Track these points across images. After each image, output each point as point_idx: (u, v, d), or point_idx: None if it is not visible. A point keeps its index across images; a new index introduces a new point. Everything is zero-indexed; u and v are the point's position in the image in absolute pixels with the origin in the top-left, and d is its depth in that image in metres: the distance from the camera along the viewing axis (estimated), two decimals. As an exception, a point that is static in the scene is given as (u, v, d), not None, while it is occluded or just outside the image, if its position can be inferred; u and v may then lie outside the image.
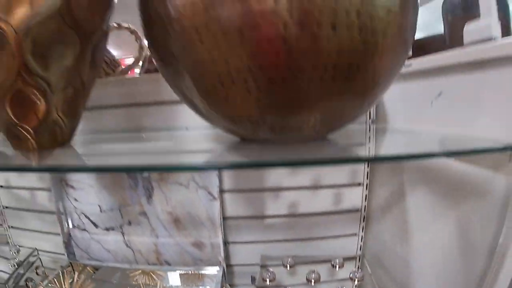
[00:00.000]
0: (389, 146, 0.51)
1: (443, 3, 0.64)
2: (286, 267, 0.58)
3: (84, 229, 0.66)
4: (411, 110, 0.51)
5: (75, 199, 0.65)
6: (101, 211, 0.64)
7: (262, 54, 0.24)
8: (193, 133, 0.56)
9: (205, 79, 0.28)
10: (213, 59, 0.26)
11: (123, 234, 0.64)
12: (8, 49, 0.33)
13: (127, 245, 0.64)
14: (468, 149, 0.32)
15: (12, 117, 0.36)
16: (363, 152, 0.43)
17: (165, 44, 0.29)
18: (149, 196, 0.61)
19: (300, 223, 0.62)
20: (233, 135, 0.37)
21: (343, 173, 0.60)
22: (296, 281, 0.56)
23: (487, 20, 0.36)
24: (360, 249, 0.63)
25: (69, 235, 0.66)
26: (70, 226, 0.66)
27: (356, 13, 0.23)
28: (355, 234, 0.63)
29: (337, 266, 0.58)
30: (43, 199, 0.70)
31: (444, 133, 0.41)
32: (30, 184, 0.71)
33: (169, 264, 0.63)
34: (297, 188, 0.60)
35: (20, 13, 0.33)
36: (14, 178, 0.73)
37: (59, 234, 0.67)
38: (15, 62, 0.33)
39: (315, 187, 0.60)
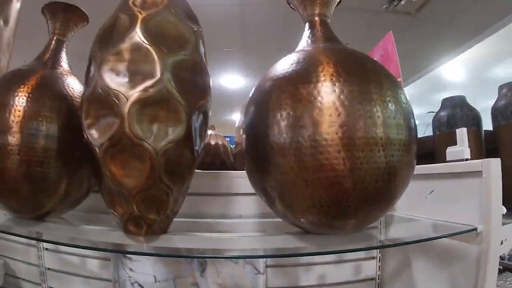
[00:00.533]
0: (396, 231, 0.67)
1: (433, 118, 0.84)
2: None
3: (136, 297, 0.73)
4: (412, 202, 0.67)
5: (131, 269, 0.72)
6: (155, 281, 0.72)
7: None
8: (245, 221, 0.68)
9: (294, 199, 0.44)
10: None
11: (174, 302, 0.72)
12: (148, 164, 0.45)
13: (176, 311, 0.73)
14: (449, 232, 0.51)
15: (136, 210, 0.47)
16: (377, 234, 0.60)
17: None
18: (203, 270, 0.70)
19: (326, 291, 0.74)
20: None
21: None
22: None
23: (461, 147, 0.57)
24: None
25: (119, 300, 0.74)
26: (122, 293, 0.73)
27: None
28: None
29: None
30: (93, 265, 0.77)
31: (435, 220, 0.60)
32: (82, 251, 0.77)
33: (213, 329, 0.72)
34: (325, 263, 0.73)
35: (160, 139, 0.45)
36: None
37: None
38: (153, 174, 0.45)
39: (339, 261, 0.74)
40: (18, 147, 0.52)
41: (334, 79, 0.42)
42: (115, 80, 0.45)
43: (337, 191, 0.41)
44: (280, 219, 0.51)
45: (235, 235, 0.63)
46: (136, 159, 0.46)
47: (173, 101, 0.46)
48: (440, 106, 0.83)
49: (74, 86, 0.60)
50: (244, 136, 0.52)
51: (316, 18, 0.55)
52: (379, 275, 0.75)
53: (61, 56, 0.64)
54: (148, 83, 0.45)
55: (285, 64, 0.48)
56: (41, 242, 0.81)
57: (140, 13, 0.48)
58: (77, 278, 0.80)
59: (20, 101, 0.53)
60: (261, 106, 0.48)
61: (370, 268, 0.75)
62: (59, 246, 0.80)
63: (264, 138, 0.45)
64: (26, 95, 0.54)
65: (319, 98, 0.42)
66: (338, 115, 0.41)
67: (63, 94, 0.58)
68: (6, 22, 0.74)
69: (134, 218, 0.49)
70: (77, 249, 0.77)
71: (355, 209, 0.43)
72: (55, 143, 0.54)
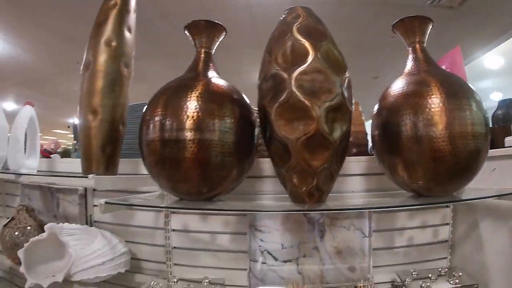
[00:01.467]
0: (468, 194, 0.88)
1: (492, 115, 1.09)
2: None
3: (264, 263, 0.88)
4: (480, 178, 0.88)
5: (261, 240, 0.88)
6: (282, 248, 0.88)
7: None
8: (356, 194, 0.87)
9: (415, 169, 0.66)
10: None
11: (297, 264, 0.88)
12: (330, 151, 0.64)
13: (298, 272, 0.88)
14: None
15: (316, 184, 0.64)
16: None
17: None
18: (322, 236, 0.87)
19: (413, 251, 0.93)
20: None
21: (438, 216, 0.94)
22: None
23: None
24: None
25: (250, 268, 0.88)
26: (251, 260, 0.88)
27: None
28: (445, 257, 0.96)
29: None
30: (223, 240, 0.92)
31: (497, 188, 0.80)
32: (213, 229, 0.92)
33: (328, 283, 0.88)
34: (412, 228, 0.92)
35: (337, 133, 0.64)
36: (194, 223, 0.93)
37: (235, 269, 0.89)
38: (332, 158, 0.64)
39: (423, 226, 0.93)
40: (217, 142, 0.66)
41: (439, 93, 0.65)
42: (306, 93, 0.63)
43: (443, 164, 0.63)
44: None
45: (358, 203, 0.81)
46: (322, 147, 0.64)
47: (344, 108, 0.66)
48: (496, 106, 1.14)
49: (232, 88, 0.76)
50: (376, 131, 0.73)
51: (417, 45, 0.76)
52: (451, 238, 0.95)
53: (210, 65, 0.79)
54: (331, 96, 0.63)
55: (402, 84, 0.71)
56: (169, 225, 0.95)
57: (314, 44, 0.65)
58: (203, 253, 0.93)
59: (202, 104, 0.67)
60: (390, 112, 0.70)
61: (444, 232, 0.94)
62: (187, 227, 0.94)
63: (395, 132, 0.67)
64: (207, 99, 0.68)
65: (432, 107, 0.64)
66: (443, 117, 0.63)
67: (231, 97, 0.73)
68: (129, 30, 0.89)
69: (312, 190, 0.66)
70: (208, 228, 0.92)
71: (453, 177, 0.66)
72: (235, 137, 0.68)
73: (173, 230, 0.95)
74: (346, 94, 0.65)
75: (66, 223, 0.94)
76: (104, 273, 0.87)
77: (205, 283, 0.86)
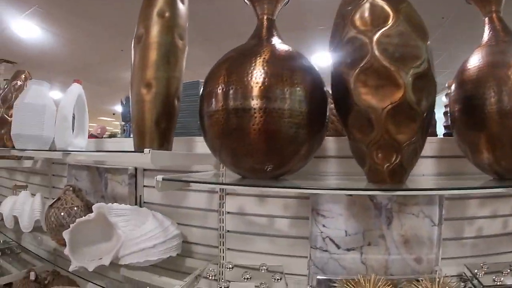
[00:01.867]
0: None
1: None
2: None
3: (325, 250, 0.84)
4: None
5: (323, 225, 0.83)
6: (346, 235, 0.83)
7: None
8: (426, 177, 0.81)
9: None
10: None
11: (361, 253, 0.83)
12: (418, 123, 0.59)
13: (362, 262, 0.84)
14: None
15: (399, 160, 0.59)
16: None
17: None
18: (389, 223, 0.82)
19: (482, 243, 0.87)
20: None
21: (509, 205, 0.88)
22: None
23: None
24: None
25: (310, 255, 0.84)
26: (312, 247, 0.84)
27: None
28: (513, 251, 0.90)
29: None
30: (281, 224, 0.87)
31: None
32: (271, 213, 0.88)
33: (392, 275, 0.84)
34: (483, 217, 0.86)
35: (424, 103, 0.58)
36: (250, 205, 0.89)
37: (293, 256, 0.85)
38: (419, 130, 0.60)
39: (493, 216, 0.87)
40: (288, 111, 0.62)
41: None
42: (391, 58, 0.57)
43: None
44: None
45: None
46: (408, 119, 0.58)
47: (430, 76, 0.60)
48: None
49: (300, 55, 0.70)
50: (456, 106, 0.67)
51: (494, 15, 0.70)
52: (521, 231, 0.89)
53: (274, 32, 0.74)
54: (418, 62, 0.58)
55: (482, 55, 0.65)
56: (223, 207, 0.91)
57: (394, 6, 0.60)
58: (259, 238, 0.89)
59: (270, 70, 0.62)
60: (472, 85, 0.64)
61: (514, 224, 0.88)
62: (243, 209, 0.90)
63: (478, 106, 0.62)
64: (275, 65, 0.63)
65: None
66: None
67: (301, 63, 0.68)
68: (182, 1, 0.85)
69: (395, 168, 0.61)
70: (266, 211, 0.88)
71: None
72: (307, 107, 0.63)
73: (228, 212, 0.92)
74: (431, 61, 0.60)
75: (115, 203, 0.91)
76: (155, 256, 0.84)
77: (263, 270, 0.83)
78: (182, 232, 0.94)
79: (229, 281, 0.74)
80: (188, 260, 0.94)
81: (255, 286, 0.73)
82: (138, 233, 0.87)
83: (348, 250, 0.84)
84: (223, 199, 0.91)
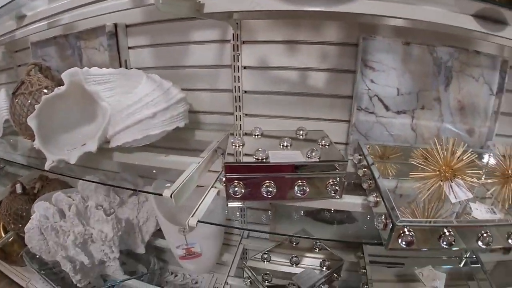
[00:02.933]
0: None
1: None
2: None
3: (372, 112, 0.68)
4: None
5: (372, 81, 0.66)
6: (398, 94, 0.67)
7: None
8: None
9: None
10: None
11: (412, 118, 0.68)
12: None
13: (412, 129, 0.69)
14: None
15: None
16: None
17: None
18: (447, 84, 0.68)
19: None
20: None
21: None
22: None
23: None
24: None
25: (352, 119, 0.67)
26: (356, 109, 0.67)
27: None
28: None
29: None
30: (317, 80, 0.68)
31: None
32: (300, 64, 0.68)
33: (439, 149, 0.70)
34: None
35: None
36: (274, 56, 0.68)
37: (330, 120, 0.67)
38: None
39: None
40: None
41: None
42: None
43: None
44: None
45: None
46: None
47: None
48: None
49: None
50: None
51: None
52: None
53: None
54: None
55: None
56: (239, 60, 0.69)
57: None
58: (286, 98, 0.70)
59: None
60: None
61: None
62: (265, 62, 0.69)
63: None
64: None
65: None
66: None
67: None
68: None
69: None
70: (295, 62, 0.68)
71: None
72: None
73: (245, 67, 0.70)
74: None
75: (93, 67, 0.63)
76: (157, 129, 0.62)
77: (301, 136, 0.62)
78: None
79: (268, 151, 0.54)
80: (198, 133, 0.73)
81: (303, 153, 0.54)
82: (130, 100, 0.62)
83: (398, 113, 0.68)
84: (237, 50, 0.69)
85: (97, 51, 0.85)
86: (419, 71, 0.67)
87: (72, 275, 0.75)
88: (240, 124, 0.73)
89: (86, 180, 0.81)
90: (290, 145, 0.58)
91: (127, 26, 0.80)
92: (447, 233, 0.45)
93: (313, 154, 0.54)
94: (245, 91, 0.71)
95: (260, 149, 0.53)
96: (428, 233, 0.45)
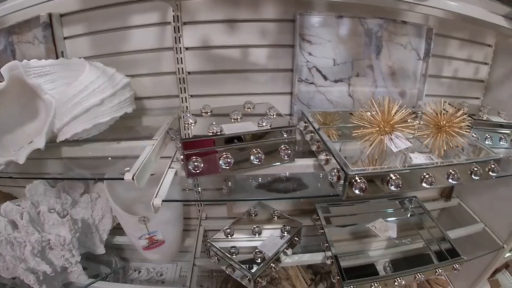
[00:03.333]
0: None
1: None
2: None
3: (312, 83, 0.71)
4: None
5: (310, 54, 0.69)
6: (334, 64, 0.71)
7: None
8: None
9: None
10: None
11: (349, 85, 0.72)
12: None
13: (349, 95, 0.73)
14: None
15: None
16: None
17: None
18: (378, 53, 0.72)
19: (455, 85, 0.85)
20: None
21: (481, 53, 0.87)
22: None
23: None
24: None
25: (293, 90, 0.70)
26: (297, 80, 0.70)
27: None
28: (478, 98, 0.91)
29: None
30: (259, 56, 0.70)
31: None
32: (242, 42, 0.69)
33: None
34: (460, 60, 0.84)
35: None
36: (216, 35, 0.69)
37: (273, 93, 0.69)
38: None
39: (468, 60, 0.85)
40: None
41: None
42: None
43: None
44: None
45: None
46: None
47: None
48: None
49: None
50: None
51: None
52: (487, 79, 0.90)
53: None
54: None
55: None
56: (180, 42, 0.70)
57: None
58: (230, 76, 0.71)
59: None
60: None
61: (482, 71, 0.88)
62: (207, 42, 0.70)
63: None
64: None
65: None
66: None
67: None
68: None
69: None
70: (237, 40, 0.70)
71: None
72: None
73: (187, 48, 0.70)
74: None
75: (33, 59, 0.60)
76: (106, 116, 0.59)
77: (249, 109, 0.64)
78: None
79: (221, 124, 0.55)
80: (146, 119, 0.72)
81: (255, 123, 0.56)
82: (75, 89, 0.58)
83: (336, 81, 0.72)
84: (178, 32, 0.69)
85: (31, 45, 0.80)
86: (352, 42, 0.71)
87: (37, 287, 0.70)
88: (187, 106, 0.73)
89: (40, 179, 0.76)
90: (240, 118, 0.60)
91: (61, 15, 0.77)
92: (393, 177, 0.49)
93: (264, 123, 0.56)
94: (189, 72, 0.71)
95: (214, 123, 0.54)
96: (378, 179, 0.49)
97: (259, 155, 0.55)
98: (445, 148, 0.62)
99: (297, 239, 0.72)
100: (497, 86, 0.89)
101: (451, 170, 0.53)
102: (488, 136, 0.74)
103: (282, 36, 0.69)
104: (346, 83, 0.72)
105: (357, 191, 0.47)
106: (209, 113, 0.63)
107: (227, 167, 0.54)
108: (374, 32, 0.72)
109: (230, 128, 0.55)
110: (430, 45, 0.75)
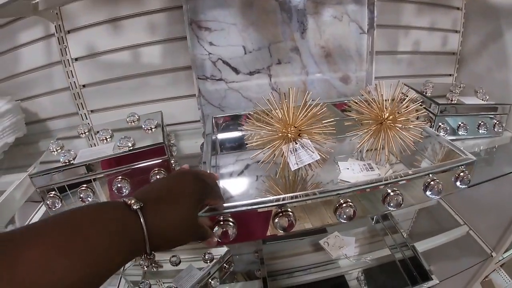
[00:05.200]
0: None
1: None
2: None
3: (220, 79, 0.52)
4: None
5: (211, 43, 0.50)
6: (245, 52, 0.51)
7: None
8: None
9: None
10: None
11: (270, 76, 0.53)
12: None
13: (273, 88, 0.53)
14: None
15: None
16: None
17: None
18: (303, 30, 0.52)
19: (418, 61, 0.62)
20: None
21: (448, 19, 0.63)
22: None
23: None
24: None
25: (198, 91, 0.51)
26: (198, 78, 0.51)
27: None
28: (451, 75, 0.67)
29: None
30: (152, 57, 0.53)
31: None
32: (129, 42, 0.52)
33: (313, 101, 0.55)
34: (419, 28, 0.60)
35: None
36: (101, 39, 0.52)
37: (176, 98, 0.51)
38: None
39: (430, 29, 0.62)
40: None
41: None
42: None
43: None
44: None
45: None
46: None
47: None
48: None
49: None
50: None
51: None
52: (460, 50, 0.65)
53: None
54: None
55: None
56: (67, 53, 0.53)
57: None
58: (126, 83, 0.54)
59: None
60: None
61: (453, 41, 0.64)
62: (94, 48, 0.53)
63: None
64: None
65: None
66: None
67: None
68: None
69: None
70: (123, 41, 0.52)
71: None
72: None
73: (76, 59, 0.54)
74: None
75: None
76: None
77: (132, 122, 0.48)
78: (28, 109, 0.56)
79: (73, 150, 0.39)
80: (43, 144, 0.56)
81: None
82: None
83: (251, 73, 0.52)
84: (64, 42, 0.53)
85: None
86: (265, 21, 0.51)
87: None
88: (88, 123, 0.57)
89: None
90: (111, 137, 0.43)
91: None
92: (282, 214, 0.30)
93: (124, 143, 0.39)
94: (83, 85, 0.55)
95: (66, 150, 0.39)
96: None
97: (124, 184, 0.38)
98: (386, 153, 0.41)
99: (227, 266, 0.55)
100: (472, 58, 0.65)
101: (389, 191, 0.33)
102: (462, 124, 0.52)
103: (174, 27, 0.51)
104: (265, 74, 0.53)
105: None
106: (86, 133, 0.46)
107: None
108: (293, 5, 0.51)
109: (84, 154, 0.38)
110: (373, 14, 0.53)
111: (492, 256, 0.58)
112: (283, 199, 0.30)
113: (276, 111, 0.40)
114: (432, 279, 0.50)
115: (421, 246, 0.56)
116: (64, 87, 0.56)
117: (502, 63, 0.57)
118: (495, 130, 0.53)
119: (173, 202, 0.23)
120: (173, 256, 0.54)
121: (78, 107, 0.56)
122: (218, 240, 0.29)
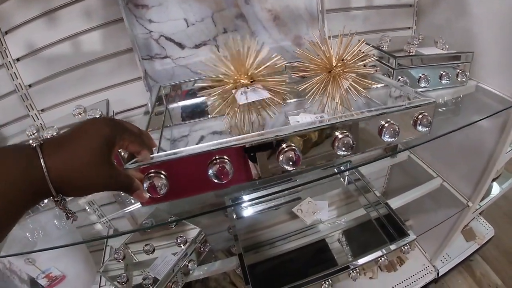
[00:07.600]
0: None
1: None
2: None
3: (165, 57, 0.44)
4: None
5: (150, 21, 0.42)
6: (188, 25, 0.43)
7: None
8: None
9: None
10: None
11: (217, 47, 0.45)
12: None
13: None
14: None
15: None
16: None
17: None
18: (245, -6, 0.44)
19: (374, 16, 0.54)
20: None
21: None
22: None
23: None
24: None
25: (144, 72, 0.44)
26: (143, 59, 0.43)
27: None
28: (409, 27, 0.59)
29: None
30: (91, 44, 0.45)
31: None
32: (69, 31, 0.44)
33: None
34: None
35: None
36: (38, 34, 0.44)
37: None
38: None
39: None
40: None
41: None
42: None
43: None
44: None
45: None
46: None
47: None
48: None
49: None
50: None
51: None
52: (417, 2, 0.57)
53: None
54: None
55: None
56: (8, 55, 0.45)
57: None
58: (71, 76, 0.46)
59: None
60: None
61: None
62: (32, 45, 0.45)
63: None
64: None
65: None
66: None
67: None
68: None
69: None
70: (61, 33, 0.44)
71: None
72: None
73: (18, 60, 0.46)
74: None
75: None
76: None
77: (79, 114, 0.40)
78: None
79: None
80: None
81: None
82: None
83: (198, 46, 0.45)
84: (2, 44, 0.45)
85: None
86: (204, -11, 0.43)
87: None
88: (41, 123, 0.50)
89: None
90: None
91: None
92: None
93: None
94: (29, 85, 0.47)
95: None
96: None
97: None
98: (337, 100, 0.34)
99: (201, 246, 0.48)
100: (430, 9, 0.56)
101: (338, 135, 0.26)
102: (423, 76, 0.44)
103: (110, 9, 0.43)
104: (212, 46, 0.45)
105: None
106: (35, 134, 0.39)
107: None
108: (231, -32, 0.43)
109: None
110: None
111: (468, 206, 0.51)
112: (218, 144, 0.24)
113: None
114: (409, 235, 0.44)
115: (396, 202, 0.50)
116: (10, 90, 0.48)
117: (462, 12, 0.49)
118: (459, 79, 0.46)
119: (73, 143, 0.19)
120: (146, 245, 0.48)
121: (28, 109, 0.49)
122: (149, 195, 0.23)
